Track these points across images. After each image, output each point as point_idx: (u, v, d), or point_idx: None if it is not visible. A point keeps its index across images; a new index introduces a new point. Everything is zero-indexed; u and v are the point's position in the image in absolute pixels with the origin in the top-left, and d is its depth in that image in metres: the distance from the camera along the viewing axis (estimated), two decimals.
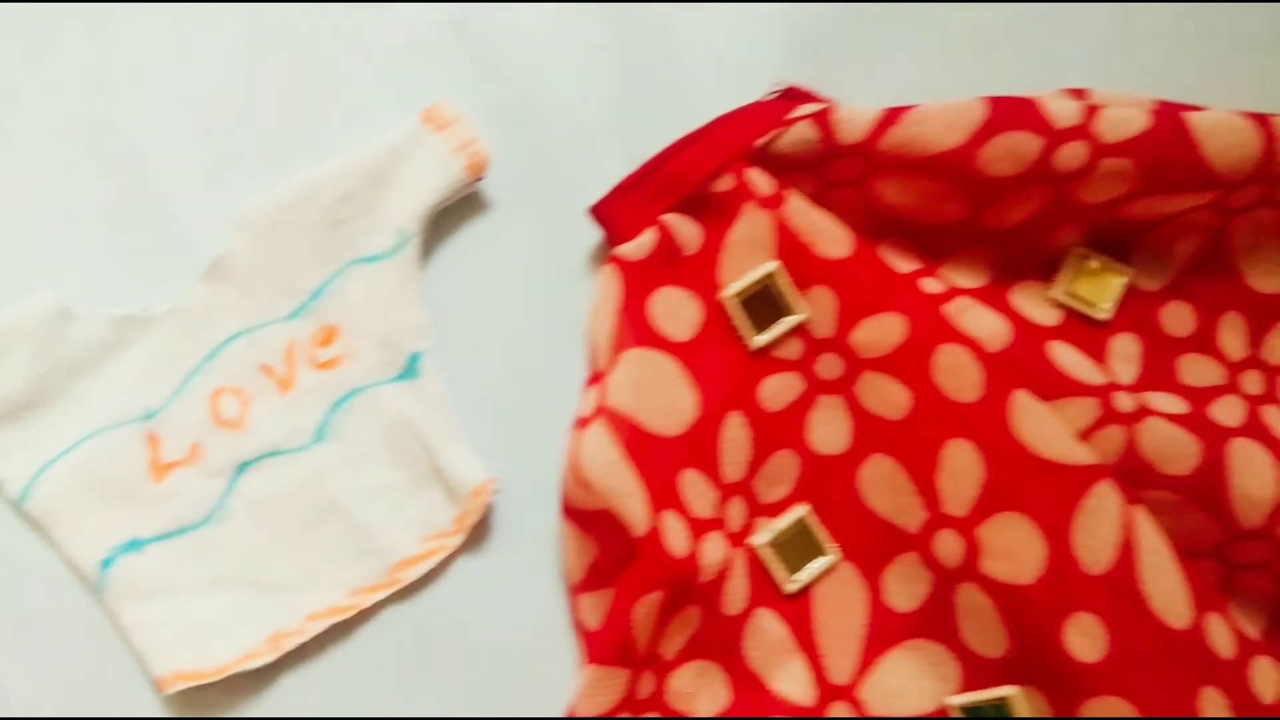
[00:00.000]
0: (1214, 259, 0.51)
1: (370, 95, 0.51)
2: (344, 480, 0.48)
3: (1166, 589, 0.45)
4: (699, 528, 0.46)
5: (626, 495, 0.44)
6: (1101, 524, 0.45)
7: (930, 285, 0.49)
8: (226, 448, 0.48)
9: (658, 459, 0.45)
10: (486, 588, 0.48)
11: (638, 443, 0.45)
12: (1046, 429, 0.46)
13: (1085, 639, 0.44)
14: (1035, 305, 0.51)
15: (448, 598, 0.48)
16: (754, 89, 0.50)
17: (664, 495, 0.45)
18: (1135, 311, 0.51)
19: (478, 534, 0.48)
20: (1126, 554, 0.45)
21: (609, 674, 0.43)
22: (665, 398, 0.46)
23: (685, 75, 0.52)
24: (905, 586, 0.48)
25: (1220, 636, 0.45)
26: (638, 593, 0.43)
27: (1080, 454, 0.45)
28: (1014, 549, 0.45)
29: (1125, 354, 0.50)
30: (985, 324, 0.48)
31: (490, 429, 0.49)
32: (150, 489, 0.48)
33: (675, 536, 0.44)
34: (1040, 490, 0.45)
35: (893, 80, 0.52)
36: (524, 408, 0.49)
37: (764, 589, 0.47)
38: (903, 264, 0.50)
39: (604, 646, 0.43)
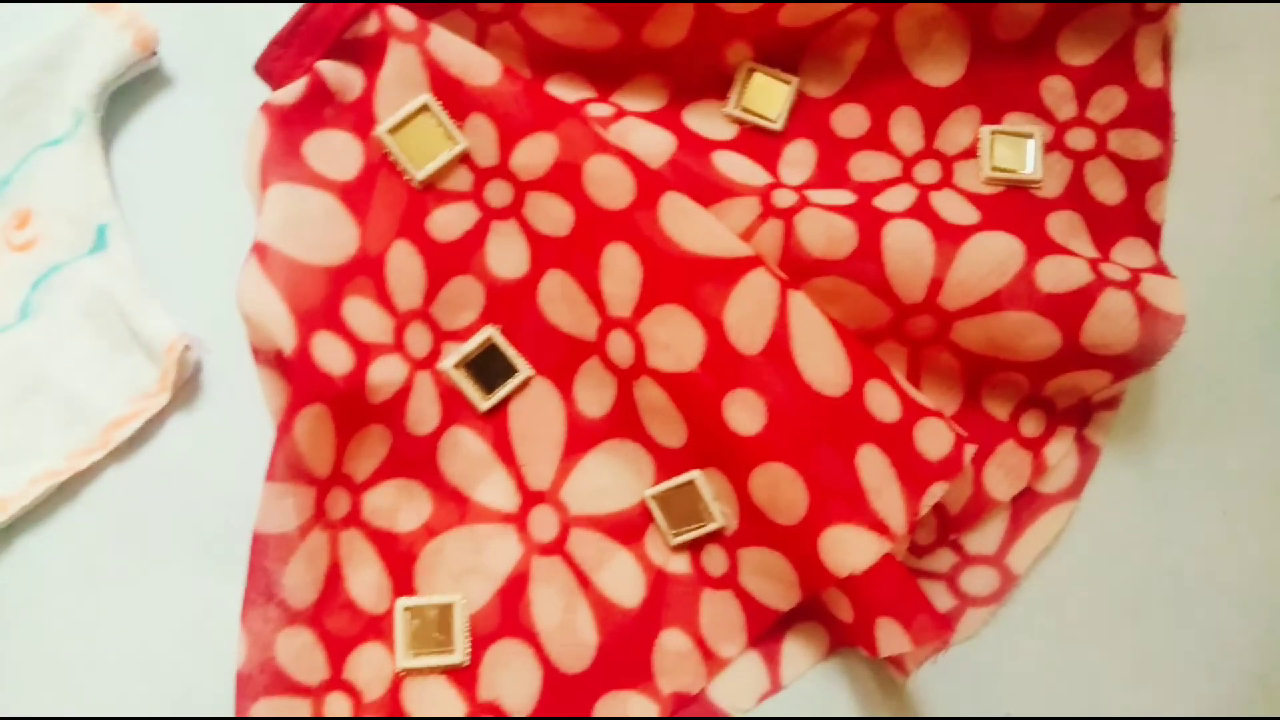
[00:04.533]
0: (883, 59, 0.53)
1: None
2: (50, 353, 0.50)
3: (820, 361, 0.47)
4: (369, 351, 0.47)
5: (274, 319, 0.45)
6: (754, 308, 0.47)
7: (598, 110, 0.51)
8: None
9: (313, 287, 0.46)
10: (202, 441, 0.50)
11: (287, 271, 0.46)
12: (696, 225, 0.47)
13: (745, 413, 0.46)
14: (712, 123, 0.53)
15: (165, 454, 0.50)
16: None
17: (320, 319, 0.46)
18: (809, 118, 0.53)
19: (189, 392, 0.50)
20: (780, 333, 0.47)
21: (284, 489, 0.45)
22: (320, 230, 0.47)
23: None
24: (594, 394, 0.50)
25: (882, 402, 0.47)
26: (296, 408, 0.45)
27: (733, 247, 0.47)
28: (674, 340, 0.47)
29: (798, 160, 0.52)
30: (650, 139, 0.49)
31: (190, 291, 0.51)
32: None
33: (330, 354, 0.46)
34: (694, 283, 0.47)
35: None
36: (220, 268, 0.50)
37: (457, 409, 0.50)
38: (576, 94, 0.52)
39: (274, 463, 0.45)
